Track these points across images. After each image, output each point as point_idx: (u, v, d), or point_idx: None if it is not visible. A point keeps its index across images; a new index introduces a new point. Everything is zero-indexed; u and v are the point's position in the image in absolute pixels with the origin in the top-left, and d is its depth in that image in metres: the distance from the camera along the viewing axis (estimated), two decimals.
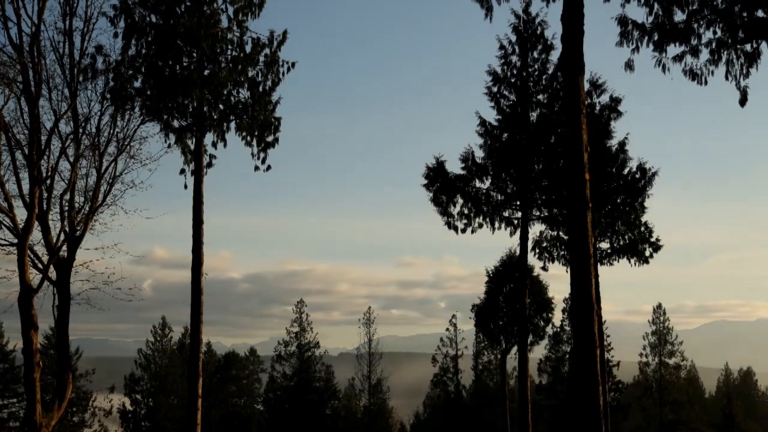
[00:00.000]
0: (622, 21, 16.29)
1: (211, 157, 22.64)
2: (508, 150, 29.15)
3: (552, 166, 28.75)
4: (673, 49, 16.39)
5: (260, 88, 22.16)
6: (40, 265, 22.43)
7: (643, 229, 30.44)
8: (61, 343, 23.62)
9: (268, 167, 22.79)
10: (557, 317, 58.62)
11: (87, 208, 23.19)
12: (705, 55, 16.36)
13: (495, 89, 29.49)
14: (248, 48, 21.99)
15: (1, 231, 22.04)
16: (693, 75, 16.49)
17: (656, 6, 16.10)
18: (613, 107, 29.64)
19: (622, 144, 29.78)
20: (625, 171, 29.72)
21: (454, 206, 29.51)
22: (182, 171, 22.65)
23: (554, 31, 29.18)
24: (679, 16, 16.17)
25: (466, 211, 29.50)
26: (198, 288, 22.33)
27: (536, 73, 29.34)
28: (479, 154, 29.70)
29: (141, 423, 62.49)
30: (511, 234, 29.86)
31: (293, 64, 22.26)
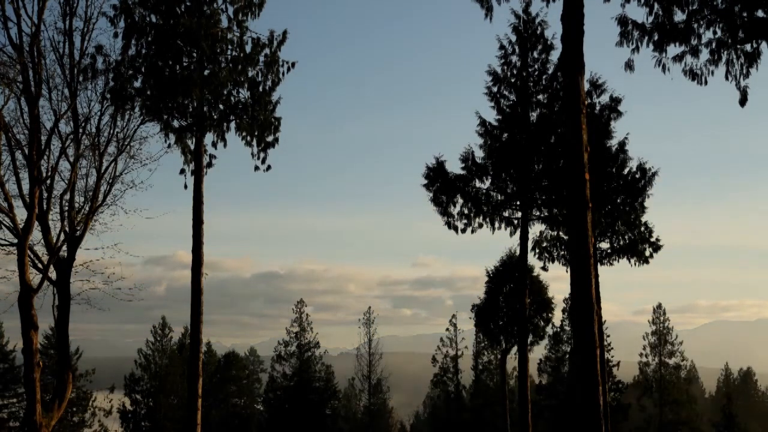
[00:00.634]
0: (622, 21, 16.29)
1: (211, 157, 22.65)
2: (508, 150, 29.16)
3: (552, 166, 28.75)
4: (673, 49, 16.40)
5: (260, 88, 22.15)
6: (40, 265, 22.44)
7: (643, 229, 30.45)
8: (61, 343, 23.62)
9: (268, 167, 22.79)
10: (557, 317, 58.72)
11: (87, 208, 23.20)
12: (705, 55, 16.37)
13: (495, 89, 29.49)
14: (248, 48, 21.98)
15: (1, 231, 22.07)
16: (693, 75, 16.49)
17: (656, 6, 16.10)
18: (613, 107, 29.65)
19: (622, 144, 29.80)
20: (625, 171, 29.71)
21: (454, 206, 29.52)
22: (182, 171, 22.65)
23: (554, 31, 29.22)
24: (679, 16, 16.17)
25: (466, 211, 29.50)
26: (198, 288, 22.31)
27: (536, 73, 29.34)
28: (479, 154, 29.75)
29: (141, 423, 62.47)
30: (511, 234, 29.89)
31: (293, 64, 22.26)
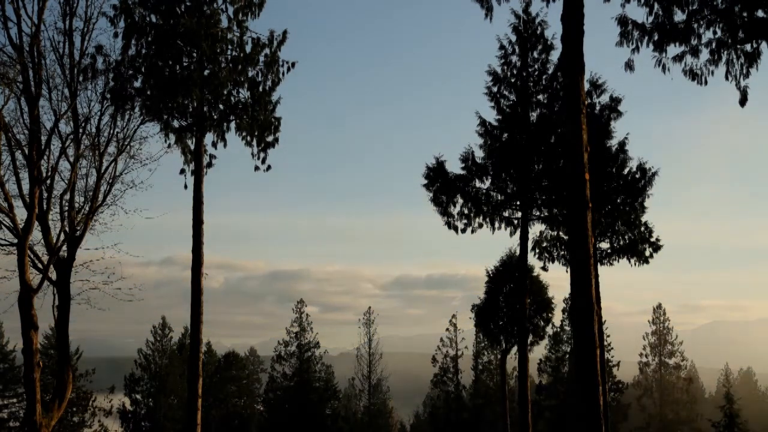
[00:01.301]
0: (622, 21, 16.30)
1: (211, 157, 22.68)
2: (508, 150, 29.17)
3: (552, 166, 28.76)
4: (673, 49, 16.43)
5: (260, 88, 22.19)
6: (40, 265, 22.43)
7: (643, 229, 30.43)
8: (61, 343, 23.63)
9: (268, 167, 22.83)
10: (557, 317, 58.72)
11: (87, 208, 23.19)
12: (705, 55, 16.39)
13: (495, 89, 29.51)
14: (248, 48, 22.01)
15: (1, 231, 22.05)
16: (693, 75, 16.51)
17: (656, 6, 16.11)
18: (613, 107, 29.65)
19: (622, 144, 29.81)
20: (625, 171, 29.73)
21: (454, 206, 29.54)
22: (182, 171, 22.68)
23: (554, 31, 29.24)
24: (679, 16, 16.19)
25: (466, 211, 29.52)
26: (198, 288, 22.34)
27: (536, 73, 29.35)
28: (479, 154, 29.77)
29: (141, 423, 62.54)
30: (511, 234, 29.91)
31: (293, 64, 22.29)
